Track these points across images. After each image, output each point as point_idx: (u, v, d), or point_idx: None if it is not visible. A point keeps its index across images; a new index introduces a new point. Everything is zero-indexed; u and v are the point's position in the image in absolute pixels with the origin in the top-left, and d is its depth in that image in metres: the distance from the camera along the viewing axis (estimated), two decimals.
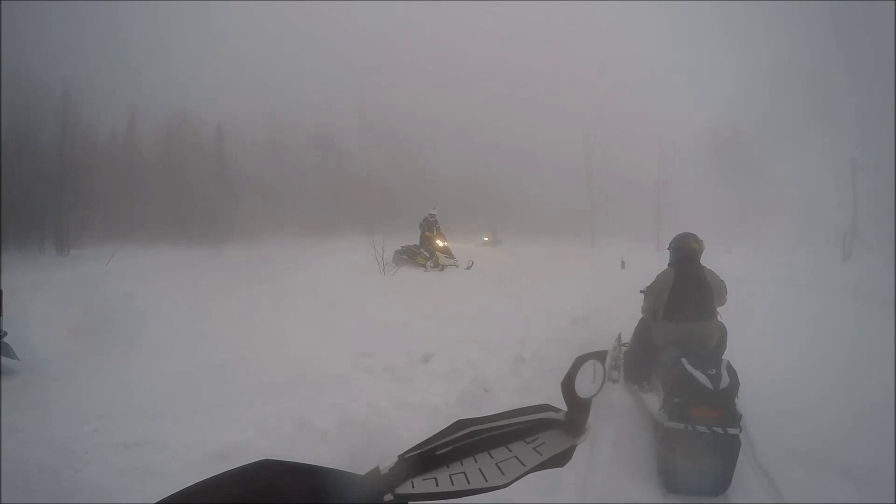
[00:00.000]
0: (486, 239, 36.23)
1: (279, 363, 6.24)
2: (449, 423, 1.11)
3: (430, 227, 19.78)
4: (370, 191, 48.96)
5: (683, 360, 4.67)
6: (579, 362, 1.10)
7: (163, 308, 9.11)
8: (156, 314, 8.54)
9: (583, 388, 1.09)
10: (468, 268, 18.56)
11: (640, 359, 6.16)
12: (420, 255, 18.87)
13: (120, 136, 40.98)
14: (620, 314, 9.33)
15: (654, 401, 5.33)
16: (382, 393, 5.60)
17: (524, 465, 1.01)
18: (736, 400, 4.44)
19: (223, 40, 57.67)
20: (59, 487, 3.52)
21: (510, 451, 1.06)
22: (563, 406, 1.13)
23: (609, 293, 13.45)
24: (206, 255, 23.58)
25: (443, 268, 18.27)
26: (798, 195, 48.35)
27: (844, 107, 45.23)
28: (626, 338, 7.08)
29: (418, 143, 55.14)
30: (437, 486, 0.97)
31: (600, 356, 1.14)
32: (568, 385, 1.09)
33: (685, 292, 5.65)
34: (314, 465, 1.02)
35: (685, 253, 5.89)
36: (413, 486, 0.96)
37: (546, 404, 1.17)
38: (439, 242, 19.37)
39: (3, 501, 3.33)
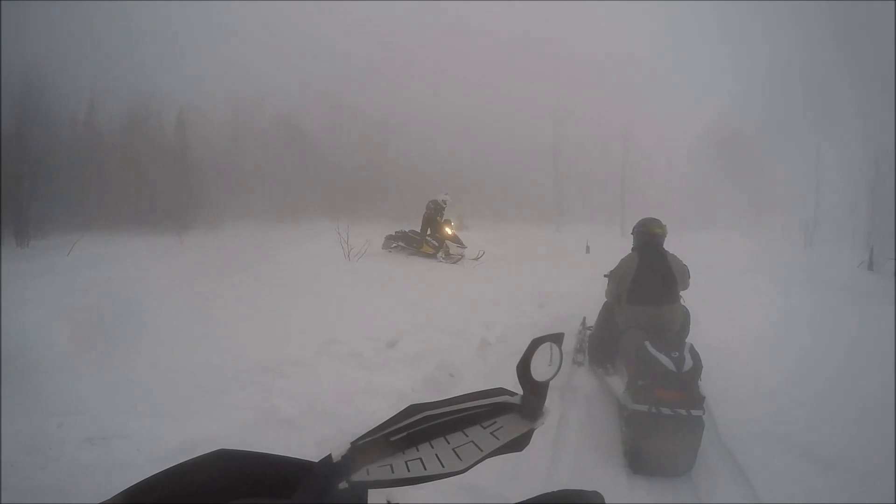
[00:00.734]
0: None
1: (245, 352, 6.18)
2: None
3: (438, 212, 17.97)
4: (336, 177, 48.75)
5: (647, 343, 4.73)
6: (535, 345, 1.08)
7: (125, 298, 8.97)
8: (118, 304, 8.40)
9: (539, 371, 1.07)
10: (478, 258, 17.23)
11: (605, 342, 6.22)
12: (426, 243, 17.20)
13: (80, 123, 40.02)
14: (586, 298, 9.38)
15: (618, 383, 5.40)
16: (349, 379, 5.59)
17: (481, 451, 0.99)
18: (699, 382, 4.51)
19: (185, 24, 56.70)
20: (26, 485, 3.46)
21: (467, 436, 1.04)
22: (519, 390, 1.12)
23: (574, 277, 13.54)
24: (170, 243, 23.29)
25: (457, 259, 16.82)
26: (767, 186, 49.57)
27: (817, 102, 46.28)
28: (591, 321, 7.14)
29: (387, 130, 54.98)
30: (393, 472, 0.95)
31: (557, 338, 1.12)
32: (523, 368, 1.07)
33: (648, 276, 5.71)
34: (269, 454, 1.01)
35: (648, 238, 5.95)
36: (368, 474, 0.95)
37: (501, 388, 1.16)
38: (448, 230, 17.77)
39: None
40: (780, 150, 48.88)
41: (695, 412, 4.30)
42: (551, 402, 5.54)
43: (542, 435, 4.90)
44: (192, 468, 0.95)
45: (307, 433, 4.29)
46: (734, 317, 9.31)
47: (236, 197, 43.81)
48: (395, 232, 18.14)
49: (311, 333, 7.07)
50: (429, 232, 17.61)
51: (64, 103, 36.97)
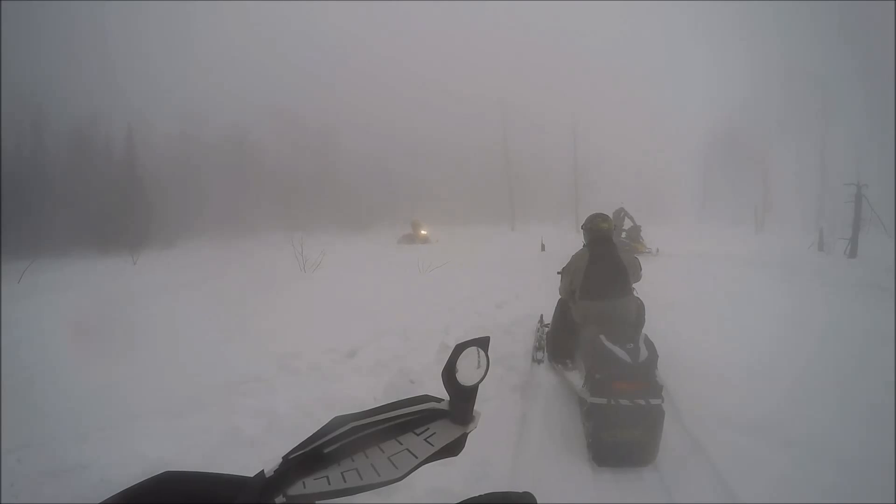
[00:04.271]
0: (424, 233, 32.68)
1: (204, 371, 6.10)
2: None
3: (622, 221, 21.68)
4: (289, 188, 48.38)
5: (602, 336, 4.78)
6: (459, 350, 1.09)
7: (79, 322, 8.83)
8: (72, 329, 8.26)
9: (466, 375, 1.08)
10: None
11: (562, 338, 6.26)
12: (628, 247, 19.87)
13: (24, 144, 38.90)
14: (542, 296, 9.44)
15: (577, 378, 5.41)
16: (308, 393, 5.54)
17: (416, 457, 1.00)
18: (656, 371, 4.56)
19: (129, 40, 55.79)
20: None
21: (401, 443, 1.04)
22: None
23: (530, 276, 13.62)
24: (123, 264, 22.92)
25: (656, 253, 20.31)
26: (719, 177, 50.91)
27: (769, 97, 47.95)
28: (549, 318, 7.17)
29: (338, 139, 54.72)
30: (330, 484, 0.94)
31: (482, 342, 1.12)
32: (449, 374, 1.08)
33: (600, 271, 5.76)
34: (213, 473, 1.01)
35: (596, 233, 6.02)
36: (305, 487, 0.94)
37: (426, 395, 1.16)
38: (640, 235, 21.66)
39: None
40: (730, 142, 50.20)
41: (653, 401, 4.35)
42: (513, 400, 5.61)
43: (506, 432, 4.93)
44: (137, 493, 0.94)
45: (268, 451, 4.23)
46: (690, 302, 9.49)
47: (190, 213, 43.24)
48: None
49: (270, 348, 6.99)
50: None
51: (7, 122, 35.96)
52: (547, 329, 7.21)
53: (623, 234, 21.44)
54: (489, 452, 4.31)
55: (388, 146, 54.37)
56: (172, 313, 9.49)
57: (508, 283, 13.10)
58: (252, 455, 4.20)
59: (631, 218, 22.21)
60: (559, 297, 6.52)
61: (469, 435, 1.07)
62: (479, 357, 1.10)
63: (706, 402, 5.36)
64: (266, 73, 57.92)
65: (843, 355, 6.67)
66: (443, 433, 1.06)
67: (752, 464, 4.25)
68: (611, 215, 17.25)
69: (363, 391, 5.65)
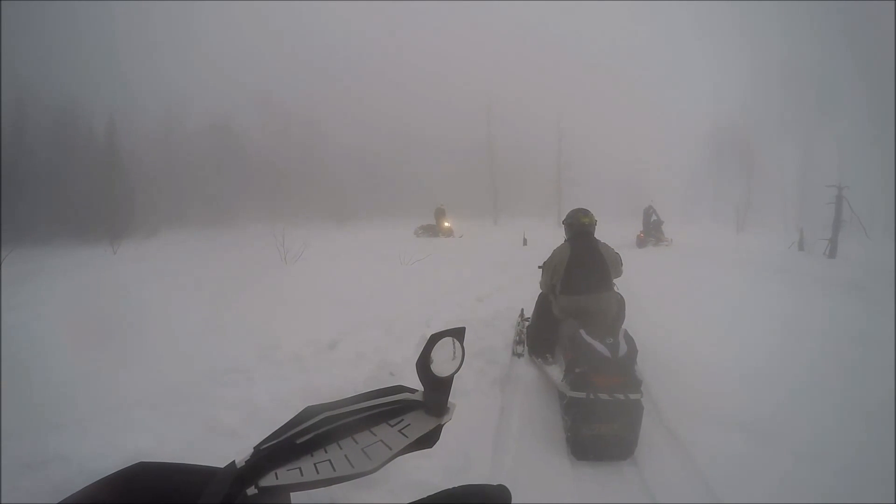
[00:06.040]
0: (448, 224, 30.28)
1: (184, 362, 6.04)
2: None
3: (651, 215, 25.43)
4: (271, 179, 48.16)
5: (582, 331, 4.81)
6: (434, 340, 1.08)
7: (57, 311, 8.74)
8: (50, 317, 8.18)
9: (440, 366, 1.07)
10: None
11: (542, 332, 6.26)
12: (654, 236, 24.77)
13: (5, 130, 38.22)
14: (524, 290, 9.45)
15: (557, 372, 5.42)
16: (290, 384, 5.52)
17: (391, 449, 0.99)
18: (636, 366, 4.58)
19: (113, 27, 55.30)
20: None
21: (375, 434, 1.03)
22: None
23: (512, 270, 13.63)
24: (103, 254, 22.76)
25: (668, 243, 24.49)
26: (701, 176, 51.26)
27: (753, 98, 48.42)
28: (529, 312, 7.17)
29: (321, 131, 54.45)
30: (303, 475, 0.93)
31: (457, 333, 1.11)
32: (423, 365, 1.07)
33: (580, 266, 5.79)
34: (186, 464, 1.00)
35: (578, 228, 6.04)
36: (277, 478, 0.93)
37: (400, 385, 1.15)
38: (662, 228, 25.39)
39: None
40: (713, 142, 50.57)
41: (633, 396, 4.38)
42: (493, 393, 5.60)
43: (485, 426, 4.93)
44: (111, 483, 0.93)
45: (247, 442, 4.20)
46: (672, 298, 9.55)
47: (172, 203, 43.01)
48: (641, 233, 24.84)
49: (251, 339, 6.95)
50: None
51: None
52: (527, 323, 7.22)
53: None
54: (468, 446, 4.31)
55: (371, 140, 54.34)
56: (151, 304, 9.40)
57: (490, 276, 13.09)
58: (231, 446, 4.17)
59: (657, 214, 25.44)
60: (540, 291, 6.54)
61: (445, 427, 1.06)
62: (454, 348, 1.09)
63: (687, 395, 5.39)
64: (252, 64, 57.66)
65: (823, 352, 6.74)
66: (417, 425, 1.05)
67: (730, 459, 4.27)
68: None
69: (343, 383, 5.62)
